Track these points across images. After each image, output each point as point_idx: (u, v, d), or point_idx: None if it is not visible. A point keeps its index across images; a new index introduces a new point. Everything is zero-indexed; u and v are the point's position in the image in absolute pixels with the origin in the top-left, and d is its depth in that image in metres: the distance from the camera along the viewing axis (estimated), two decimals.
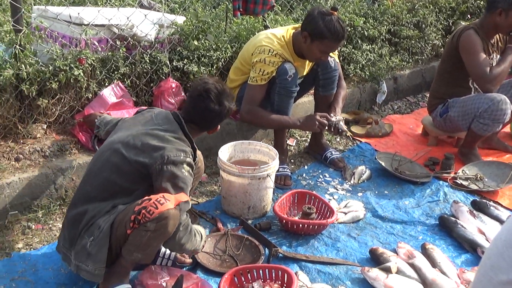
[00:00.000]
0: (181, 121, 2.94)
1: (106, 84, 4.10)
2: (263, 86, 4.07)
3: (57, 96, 3.88)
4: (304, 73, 4.30)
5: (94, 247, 2.70)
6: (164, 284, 2.89)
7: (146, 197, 2.64)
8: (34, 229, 3.43)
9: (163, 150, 2.75)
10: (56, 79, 3.77)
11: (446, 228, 3.73)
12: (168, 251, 3.09)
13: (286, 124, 4.14)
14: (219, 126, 3.22)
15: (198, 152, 3.24)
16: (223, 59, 4.67)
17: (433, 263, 3.29)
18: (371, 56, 5.77)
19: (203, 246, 3.16)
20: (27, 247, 3.30)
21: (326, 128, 4.03)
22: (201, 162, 3.45)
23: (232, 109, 3.12)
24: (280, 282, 2.98)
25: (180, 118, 2.95)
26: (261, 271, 3.04)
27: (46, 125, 3.93)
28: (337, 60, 4.36)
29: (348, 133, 4.44)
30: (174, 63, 4.42)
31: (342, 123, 4.05)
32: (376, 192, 4.22)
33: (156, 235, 2.63)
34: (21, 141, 3.77)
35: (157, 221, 2.59)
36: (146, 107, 3.28)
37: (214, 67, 4.62)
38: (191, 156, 2.85)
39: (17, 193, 3.48)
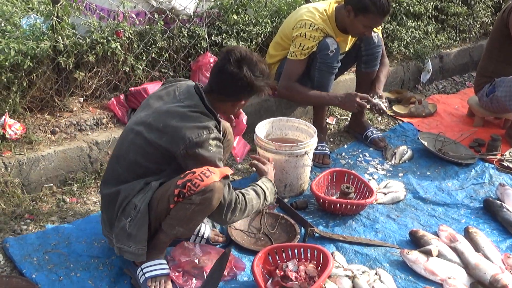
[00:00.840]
0: (201, 93, 2.76)
1: (144, 58, 4.04)
2: (303, 61, 3.95)
3: (94, 70, 3.86)
4: (346, 49, 4.16)
5: (134, 228, 2.64)
6: (196, 260, 2.83)
7: (189, 171, 2.57)
8: (68, 202, 3.41)
9: (184, 132, 2.60)
10: (93, 52, 3.73)
11: (491, 211, 3.58)
12: (202, 230, 3.04)
13: (324, 100, 4.02)
14: (242, 102, 2.86)
15: (226, 124, 3.16)
16: (262, 34, 4.55)
17: (476, 248, 3.16)
18: (416, 33, 5.56)
19: (274, 198, 3.06)
20: (61, 220, 3.29)
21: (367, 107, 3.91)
22: (231, 135, 3.32)
23: (261, 86, 2.75)
24: (315, 262, 2.89)
25: (200, 91, 2.77)
26: (296, 251, 2.95)
27: (82, 98, 3.91)
28: (381, 36, 4.20)
29: (389, 113, 4.29)
30: (212, 38, 4.33)
31: (383, 104, 3.92)
32: (418, 173, 4.08)
33: (201, 209, 2.56)
34: (58, 114, 3.76)
35: (202, 194, 2.52)
36: (173, 78, 3.10)
37: (254, 42, 4.51)
38: (215, 130, 2.69)
39: (53, 166, 3.47)
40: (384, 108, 3.91)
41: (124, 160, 2.76)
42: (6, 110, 3.47)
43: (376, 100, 3.91)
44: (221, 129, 2.89)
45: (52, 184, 3.48)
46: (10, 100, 3.50)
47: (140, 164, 2.71)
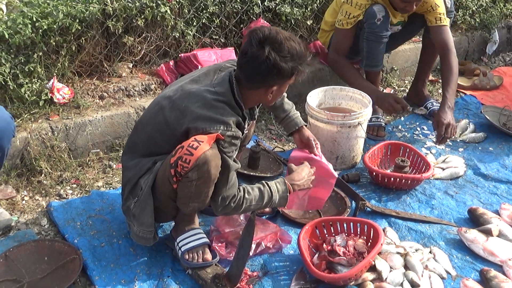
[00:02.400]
0: (233, 82, 2.50)
1: (194, 23, 3.93)
2: (349, 31, 3.77)
3: (143, 34, 3.79)
4: (403, 19, 3.91)
5: (137, 209, 2.55)
6: (240, 231, 2.73)
7: (179, 145, 2.39)
8: (114, 169, 3.37)
9: (200, 121, 2.40)
10: (142, 16, 3.67)
11: None
12: None
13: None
14: (275, 88, 2.50)
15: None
16: (318, 1, 4.37)
17: None
18: (483, 1, 5.26)
19: (281, 202, 2.68)
20: (106, 185, 3.25)
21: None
22: (250, 131, 3.06)
23: (289, 67, 2.40)
24: (365, 238, 2.75)
25: (232, 79, 2.50)
26: (345, 224, 2.82)
27: (131, 64, 3.85)
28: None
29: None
30: (265, 3, 4.19)
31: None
32: (480, 148, 3.85)
33: (202, 182, 2.39)
34: (106, 79, 3.72)
35: (197, 169, 2.33)
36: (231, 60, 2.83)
37: (309, 8, 4.35)
38: (233, 128, 2.43)
39: (100, 131, 3.42)
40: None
41: (143, 131, 2.63)
42: (55, 74, 3.44)
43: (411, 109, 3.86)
44: (247, 125, 2.64)
45: (98, 150, 3.44)
46: (58, 64, 3.47)
47: (155, 141, 2.57)
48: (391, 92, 4.54)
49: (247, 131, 2.72)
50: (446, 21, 3.80)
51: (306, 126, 3.00)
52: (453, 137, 3.63)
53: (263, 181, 2.64)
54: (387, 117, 4.21)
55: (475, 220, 3.06)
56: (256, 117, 2.79)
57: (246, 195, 2.53)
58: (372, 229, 2.73)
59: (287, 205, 2.75)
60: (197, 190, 2.40)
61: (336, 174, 2.93)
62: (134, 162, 2.61)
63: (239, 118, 2.48)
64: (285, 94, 2.97)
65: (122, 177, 2.70)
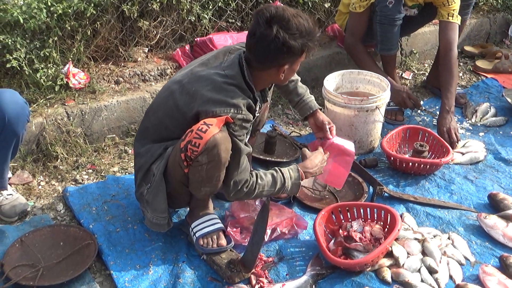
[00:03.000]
0: (243, 64, 2.45)
1: (210, 7, 3.89)
2: (362, 15, 3.71)
3: (159, 18, 3.76)
4: (420, 2, 3.82)
5: (150, 195, 2.54)
6: (255, 216, 2.70)
7: (189, 129, 2.35)
8: (130, 154, 3.36)
9: (210, 104, 2.37)
10: (157, 0, 3.61)
11: None
12: None
13: None
14: (286, 67, 2.44)
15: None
16: None
17: None
18: None
19: (293, 189, 2.65)
20: (122, 171, 3.25)
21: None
22: (264, 115, 2.98)
23: (299, 45, 2.35)
24: (382, 223, 2.71)
25: (242, 61, 2.45)
26: (362, 210, 2.78)
27: (147, 48, 3.83)
28: None
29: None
30: None
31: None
32: (501, 132, 3.77)
33: (213, 165, 2.36)
34: (122, 64, 3.70)
35: (207, 152, 2.30)
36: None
37: None
38: (243, 111, 2.38)
39: (115, 116, 3.41)
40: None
41: (154, 116, 2.61)
42: (70, 59, 3.43)
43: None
44: (258, 108, 2.58)
45: (114, 135, 3.43)
46: (74, 49, 3.46)
47: (166, 126, 2.54)
48: (410, 75, 4.47)
49: (259, 114, 2.68)
50: (458, 19, 3.71)
51: (321, 110, 2.95)
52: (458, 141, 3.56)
53: (276, 167, 2.62)
54: None
55: (495, 205, 3.00)
56: (268, 99, 2.75)
57: (259, 181, 2.51)
58: (389, 214, 2.69)
59: None
60: (208, 174, 2.38)
61: (353, 150, 2.91)
62: (146, 148, 2.59)
63: (249, 101, 2.44)
64: (298, 78, 2.93)
65: (135, 163, 2.69)
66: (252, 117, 2.46)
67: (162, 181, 2.49)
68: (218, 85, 2.40)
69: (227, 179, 2.45)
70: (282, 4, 2.77)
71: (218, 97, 2.37)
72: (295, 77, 2.90)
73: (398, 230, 2.57)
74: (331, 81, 3.54)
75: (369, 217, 2.76)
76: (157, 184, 2.49)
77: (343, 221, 2.76)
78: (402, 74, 4.44)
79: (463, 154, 3.46)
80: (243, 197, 2.53)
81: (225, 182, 2.46)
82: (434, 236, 2.76)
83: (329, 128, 2.89)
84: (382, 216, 2.72)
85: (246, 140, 2.54)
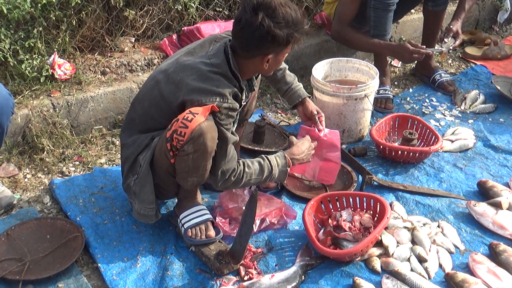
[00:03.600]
0: (228, 52, 2.43)
1: None
2: (353, 2, 3.68)
3: (145, 8, 3.71)
4: None
5: (137, 186, 2.51)
6: (244, 207, 2.69)
7: (175, 119, 2.34)
8: (118, 145, 3.32)
9: (195, 93, 2.36)
10: None
11: None
12: None
13: (375, 49, 3.74)
14: (270, 56, 2.41)
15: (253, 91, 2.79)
16: None
17: None
18: None
19: (281, 177, 2.65)
20: (109, 162, 3.22)
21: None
22: (252, 104, 2.92)
23: (284, 34, 2.31)
24: (371, 212, 2.70)
25: (228, 49, 2.43)
26: (351, 199, 2.76)
27: (134, 38, 3.78)
28: None
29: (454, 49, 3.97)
30: None
31: (445, 48, 3.69)
32: (490, 119, 3.76)
33: (199, 155, 2.34)
34: (108, 55, 3.65)
35: (192, 142, 2.28)
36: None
37: None
38: (229, 100, 2.37)
39: (102, 107, 3.38)
40: (441, 50, 3.74)
41: (139, 106, 2.58)
42: (56, 50, 3.39)
43: (431, 49, 3.67)
44: (244, 97, 2.55)
45: (101, 126, 3.40)
46: (59, 40, 3.41)
47: (152, 116, 2.52)
48: (399, 63, 4.45)
49: (245, 103, 2.66)
50: None
51: (309, 98, 2.93)
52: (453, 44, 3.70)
53: (263, 155, 2.60)
54: (395, 89, 4.13)
55: (484, 193, 3.00)
56: (256, 88, 2.73)
57: (246, 169, 2.50)
58: (378, 203, 2.67)
59: (299, 171, 2.87)
60: (194, 164, 2.36)
61: (338, 144, 2.92)
62: (132, 139, 2.57)
63: (235, 90, 2.42)
64: (286, 66, 2.90)
65: (121, 154, 2.66)
66: (238, 105, 2.44)
67: (149, 172, 2.46)
68: (203, 73, 2.38)
69: (215, 168, 2.43)
70: None
71: (203, 86, 2.34)
72: (283, 65, 2.87)
73: (388, 219, 2.57)
74: (320, 70, 3.52)
75: (358, 206, 2.74)
76: (144, 175, 2.47)
77: (332, 210, 2.75)
78: (391, 61, 4.41)
79: (452, 141, 3.45)
80: (231, 186, 2.52)
81: (213, 171, 2.44)
82: (424, 225, 2.75)
83: (318, 118, 2.87)
84: (372, 205, 2.70)
85: (234, 130, 2.52)
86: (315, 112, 2.89)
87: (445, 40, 3.72)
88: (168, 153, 2.35)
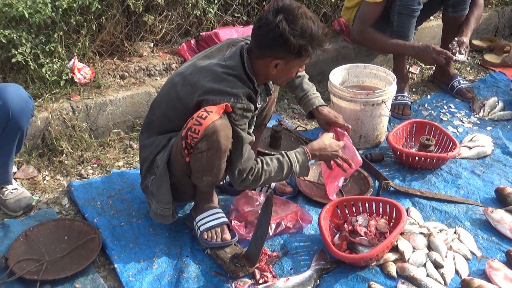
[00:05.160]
0: (244, 55, 2.45)
1: (216, 1, 3.88)
2: (380, 4, 3.67)
3: (164, 13, 3.75)
4: None
5: (154, 186, 2.54)
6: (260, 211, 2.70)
7: (190, 118, 2.36)
8: (135, 149, 3.36)
9: (211, 94, 2.36)
10: None
11: None
12: None
13: (399, 49, 3.73)
14: (278, 62, 2.41)
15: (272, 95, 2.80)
16: None
17: None
18: None
19: (303, 172, 2.65)
20: (127, 165, 3.24)
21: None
22: (270, 109, 2.94)
23: (298, 44, 2.32)
24: (387, 218, 2.69)
25: (244, 52, 2.46)
26: (367, 204, 2.76)
27: (152, 43, 3.82)
28: None
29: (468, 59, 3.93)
30: None
31: (463, 56, 3.63)
32: (509, 126, 3.73)
33: (213, 153, 2.36)
34: (127, 59, 3.70)
35: (206, 139, 2.31)
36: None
37: None
38: (243, 100, 2.38)
39: (120, 111, 3.41)
40: (463, 59, 3.67)
41: (158, 109, 2.62)
42: (76, 54, 3.43)
43: (456, 57, 3.62)
44: (259, 99, 2.56)
45: (119, 130, 3.43)
46: (79, 44, 3.46)
47: (169, 118, 2.55)
48: (417, 70, 4.44)
49: (262, 107, 2.67)
50: None
51: (326, 105, 2.92)
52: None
53: (282, 151, 2.61)
54: (413, 95, 4.12)
55: (502, 200, 2.97)
56: (273, 93, 2.74)
57: (265, 167, 2.51)
58: (394, 208, 2.67)
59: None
60: (208, 162, 2.38)
61: (360, 159, 2.89)
62: (151, 140, 2.60)
63: (250, 91, 2.44)
64: (306, 75, 2.91)
65: (140, 155, 2.70)
66: (253, 107, 2.46)
67: (166, 172, 2.49)
68: (218, 75, 2.41)
69: (232, 168, 2.45)
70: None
71: (217, 87, 2.37)
72: (302, 73, 2.88)
73: (404, 223, 2.56)
74: (337, 75, 3.52)
75: (374, 212, 2.74)
76: (161, 175, 2.50)
77: (348, 215, 2.75)
78: (409, 68, 4.40)
79: (470, 148, 3.42)
80: (250, 185, 2.54)
81: (231, 171, 2.47)
82: (440, 231, 2.73)
83: (346, 129, 2.88)
84: (388, 210, 2.70)
85: (250, 131, 2.53)
86: (341, 121, 2.87)
87: (462, 51, 3.69)
88: (183, 151, 2.38)
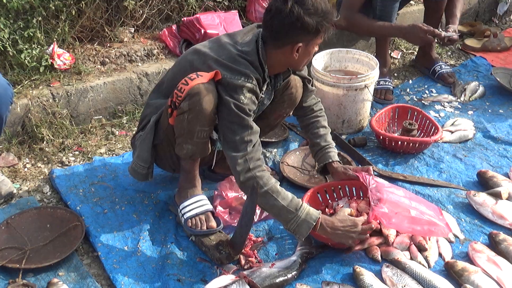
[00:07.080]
0: (259, 43, 2.42)
1: None
2: None
3: None
4: None
5: (139, 140, 2.59)
6: (244, 196, 2.69)
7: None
8: (117, 135, 3.33)
9: (223, 68, 2.35)
10: None
11: None
12: None
13: (387, 31, 3.73)
14: (300, 45, 2.38)
15: (294, 81, 2.73)
16: None
17: None
18: None
19: (302, 226, 2.36)
20: (109, 152, 3.21)
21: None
22: (294, 96, 2.80)
23: (313, 22, 2.29)
24: (369, 200, 2.68)
25: (259, 40, 2.43)
26: (347, 188, 2.76)
27: (133, 28, 3.78)
28: None
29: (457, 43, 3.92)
30: None
31: (452, 33, 3.59)
32: (490, 110, 3.76)
33: (194, 116, 2.34)
34: (108, 45, 3.65)
35: (189, 98, 2.31)
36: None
37: None
38: (254, 82, 2.37)
39: (102, 98, 3.37)
40: (454, 37, 3.60)
41: (171, 70, 2.66)
42: (55, 39, 3.38)
43: (443, 33, 3.57)
44: (265, 88, 2.54)
45: (101, 116, 3.39)
46: (58, 29, 3.41)
47: (178, 81, 2.44)
48: (399, 54, 4.44)
49: (264, 96, 2.61)
50: None
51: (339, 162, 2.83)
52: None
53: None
54: (395, 80, 4.13)
55: (484, 183, 3.00)
56: (279, 85, 2.69)
57: (274, 184, 2.37)
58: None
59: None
60: (188, 126, 2.38)
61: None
62: (155, 101, 2.64)
63: (259, 78, 2.43)
64: (319, 100, 2.91)
65: (142, 112, 2.74)
66: (259, 93, 2.46)
67: (152, 130, 2.53)
68: (233, 56, 2.40)
69: (232, 141, 2.37)
70: None
71: (230, 65, 2.38)
72: (311, 88, 2.85)
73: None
74: (320, 60, 3.51)
75: (355, 195, 2.74)
76: (147, 132, 2.54)
77: (329, 200, 2.75)
78: (391, 53, 4.41)
79: (452, 132, 3.45)
80: (252, 179, 2.34)
81: (234, 159, 2.36)
82: None
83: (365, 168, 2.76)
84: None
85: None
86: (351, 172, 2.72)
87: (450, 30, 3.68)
88: (167, 110, 2.41)
